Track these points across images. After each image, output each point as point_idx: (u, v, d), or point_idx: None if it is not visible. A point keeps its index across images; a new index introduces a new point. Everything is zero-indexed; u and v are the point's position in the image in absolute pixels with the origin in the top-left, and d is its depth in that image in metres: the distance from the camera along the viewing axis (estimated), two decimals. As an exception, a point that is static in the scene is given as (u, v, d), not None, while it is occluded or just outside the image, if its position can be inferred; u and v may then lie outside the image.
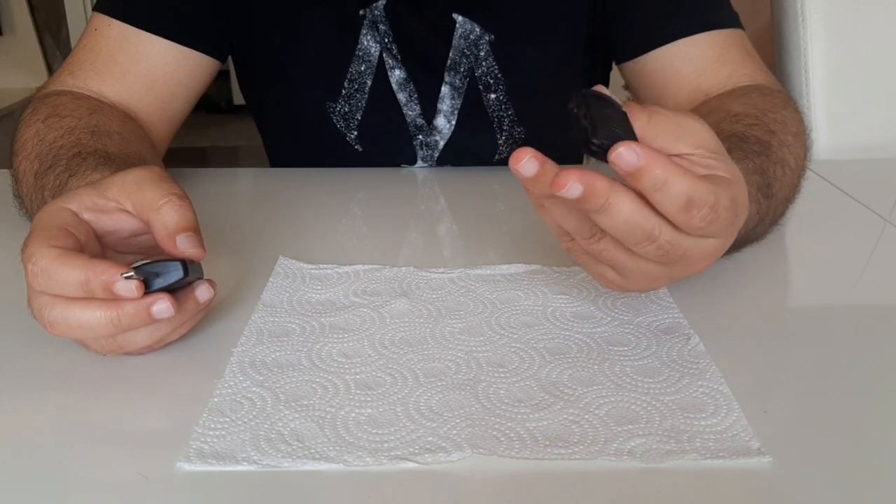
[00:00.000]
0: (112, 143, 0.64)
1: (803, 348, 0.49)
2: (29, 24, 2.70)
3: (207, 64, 0.78)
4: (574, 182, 0.39)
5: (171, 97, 0.76)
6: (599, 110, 0.40)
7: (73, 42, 2.66)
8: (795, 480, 0.37)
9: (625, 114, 0.41)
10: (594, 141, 0.39)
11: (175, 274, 0.44)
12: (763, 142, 0.60)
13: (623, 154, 0.39)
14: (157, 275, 0.44)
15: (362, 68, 0.81)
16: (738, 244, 0.56)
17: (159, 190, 0.47)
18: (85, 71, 0.73)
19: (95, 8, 0.76)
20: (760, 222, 0.57)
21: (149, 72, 0.74)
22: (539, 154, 0.41)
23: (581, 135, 0.40)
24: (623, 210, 0.40)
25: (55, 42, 2.77)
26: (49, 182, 0.59)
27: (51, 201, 0.49)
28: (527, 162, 0.41)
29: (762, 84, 0.73)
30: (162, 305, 0.43)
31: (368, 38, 0.80)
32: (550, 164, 0.41)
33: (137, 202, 0.47)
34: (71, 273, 0.43)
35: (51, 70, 2.78)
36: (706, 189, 0.40)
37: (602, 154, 0.40)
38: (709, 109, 0.69)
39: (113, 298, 0.43)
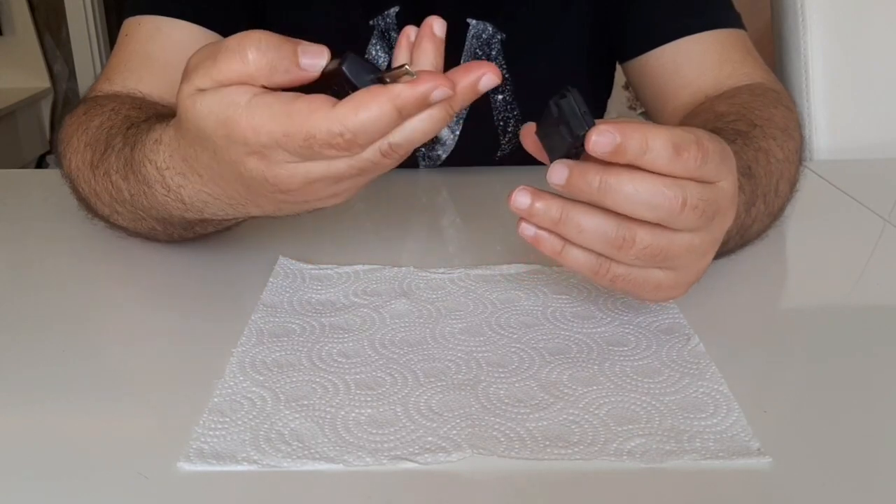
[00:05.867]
0: (163, 108, 0.61)
1: (803, 348, 0.49)
2: (29, 24, 2.70)
3: None
4: (560, 168, 0.41)
5: None
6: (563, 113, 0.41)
7: (73, 42, 2.67)
8: (795, 480, 0.37)
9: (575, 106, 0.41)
10: (579, 135, 0.40)
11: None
12: (741, 132, 0.60)
13: (599, 139, 0.39)
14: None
15: None
16: (740, 232, 0.57)
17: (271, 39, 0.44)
18: (121, 73, 0.71)
19: (123, 17, 0.75)
20: (752, 205, 0.56)
21: (186, 60, 0.72)
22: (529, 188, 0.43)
23: (557, 140, 0.41)
24: (624, 182, 0.40)
25: (55, 42, 2.77)
26: (112, 164, 0.57)
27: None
28: (522, 195, 0.42)
29: (759, 83, 0.73)
30: (441, 91, 0.39)
31: (378, 47, 0.80)
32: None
33: (260, 57, 0.42)
34: (381, 108, 0.39)
35: (51, 70, 2.78)
36: (682, 131, 0.41)
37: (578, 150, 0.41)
38: (699, 111, 0.70)
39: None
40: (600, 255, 0.44)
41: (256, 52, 0.40)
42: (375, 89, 0.39)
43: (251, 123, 0.41)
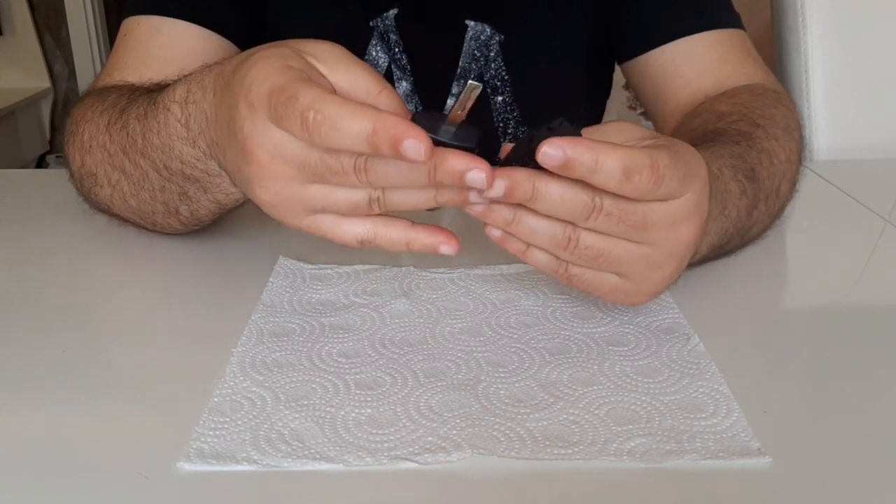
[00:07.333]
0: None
1: (803, 348, 0.49)
2: (29, 24, 2.70)
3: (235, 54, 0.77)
4: (498, 180, 0.41)
5: None
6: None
7: (73, 42, 2.67)
8: (795, 480, 0.37)
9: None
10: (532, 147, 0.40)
11: (472, 139, 0.42)
12: (744, 133, 0.60)
13: (548, 151, 0.40)
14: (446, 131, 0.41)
15: None
16: (741, 234, 0.57)
17: (371, 74, 0.45)
18: (122, 71, 0.72)
19: (123, 17, 0.75)
20: (754, 208, 0.56)
21: (185, 59, 0.71)
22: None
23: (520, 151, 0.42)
24: (552, 190, 0.41)
25: (55, 42, 2.77)
26: (132, 112, 0.57)
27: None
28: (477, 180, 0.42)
29: (759, 83, 0.73)
30: (479, 175, 0.40)
31: (378, 48, 0.80)
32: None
33: (349, 81, 0.44)
34: (360, 122, 0.39)
35: (51, 70, 2.78)
36: (639, 154, 0.41)
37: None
38: (700, 111, 0.69)
39: (395, 156, 0.39)
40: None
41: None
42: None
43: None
